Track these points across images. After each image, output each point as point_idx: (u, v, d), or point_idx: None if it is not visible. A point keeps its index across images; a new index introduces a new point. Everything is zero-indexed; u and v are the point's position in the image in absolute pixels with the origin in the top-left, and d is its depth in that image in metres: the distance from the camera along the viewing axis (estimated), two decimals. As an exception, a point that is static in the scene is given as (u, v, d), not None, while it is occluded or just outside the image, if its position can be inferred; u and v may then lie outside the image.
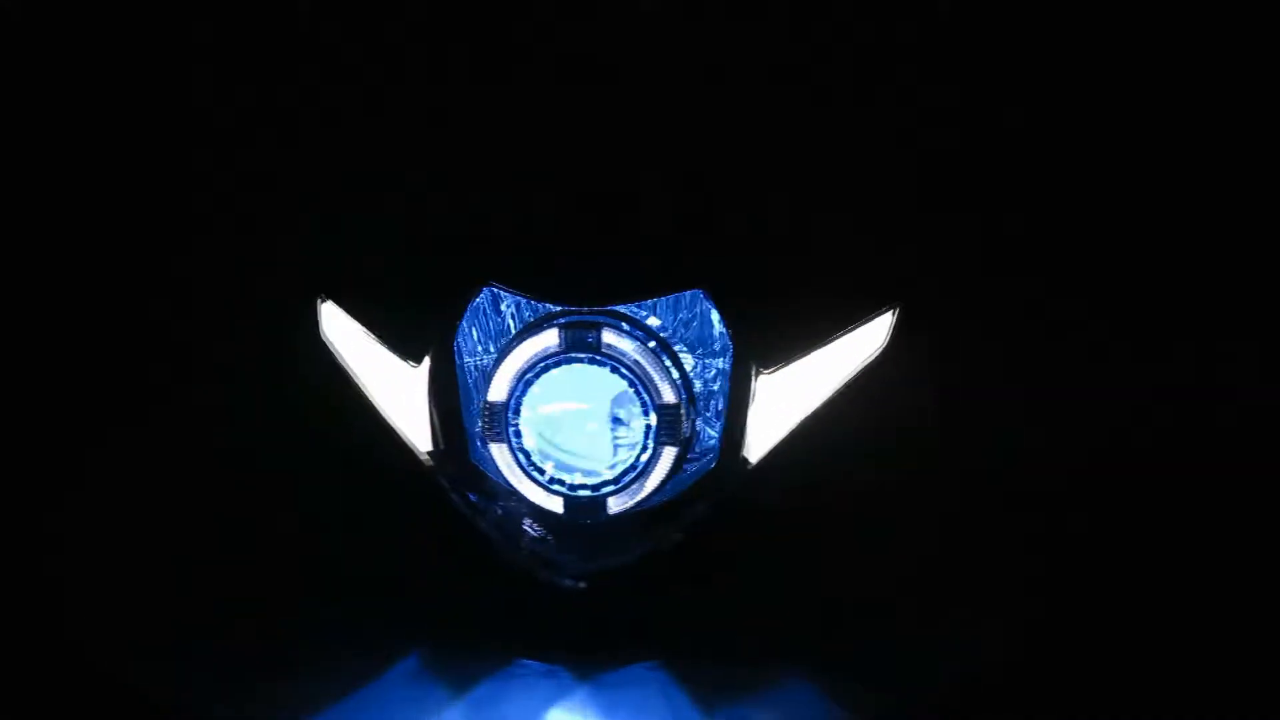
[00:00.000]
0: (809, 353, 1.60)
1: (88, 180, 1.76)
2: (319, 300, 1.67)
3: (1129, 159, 1.62)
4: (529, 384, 1.56)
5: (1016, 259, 1.63)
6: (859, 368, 1.59)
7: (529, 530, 1.56)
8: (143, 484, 1.67)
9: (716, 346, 1.62)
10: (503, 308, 1.64)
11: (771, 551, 1.56)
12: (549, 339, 1.56)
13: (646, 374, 1.54)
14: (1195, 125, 1.61)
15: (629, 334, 1.56)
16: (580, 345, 1.54)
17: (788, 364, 1.58)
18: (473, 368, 1.65)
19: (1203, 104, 1.61)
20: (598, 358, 1.55)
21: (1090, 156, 1.63)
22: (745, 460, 1.56)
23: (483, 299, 1.63)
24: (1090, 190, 1.63)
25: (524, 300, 1.62)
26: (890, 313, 1.61)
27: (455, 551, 1.57)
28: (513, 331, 1.64)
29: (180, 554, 1.59)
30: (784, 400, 1.59)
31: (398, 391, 1.62)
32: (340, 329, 1.66)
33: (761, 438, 1.58)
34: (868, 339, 1.61)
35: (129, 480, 1.67)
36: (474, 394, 1.64)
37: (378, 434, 1.60)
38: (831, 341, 1.60)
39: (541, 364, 1.56)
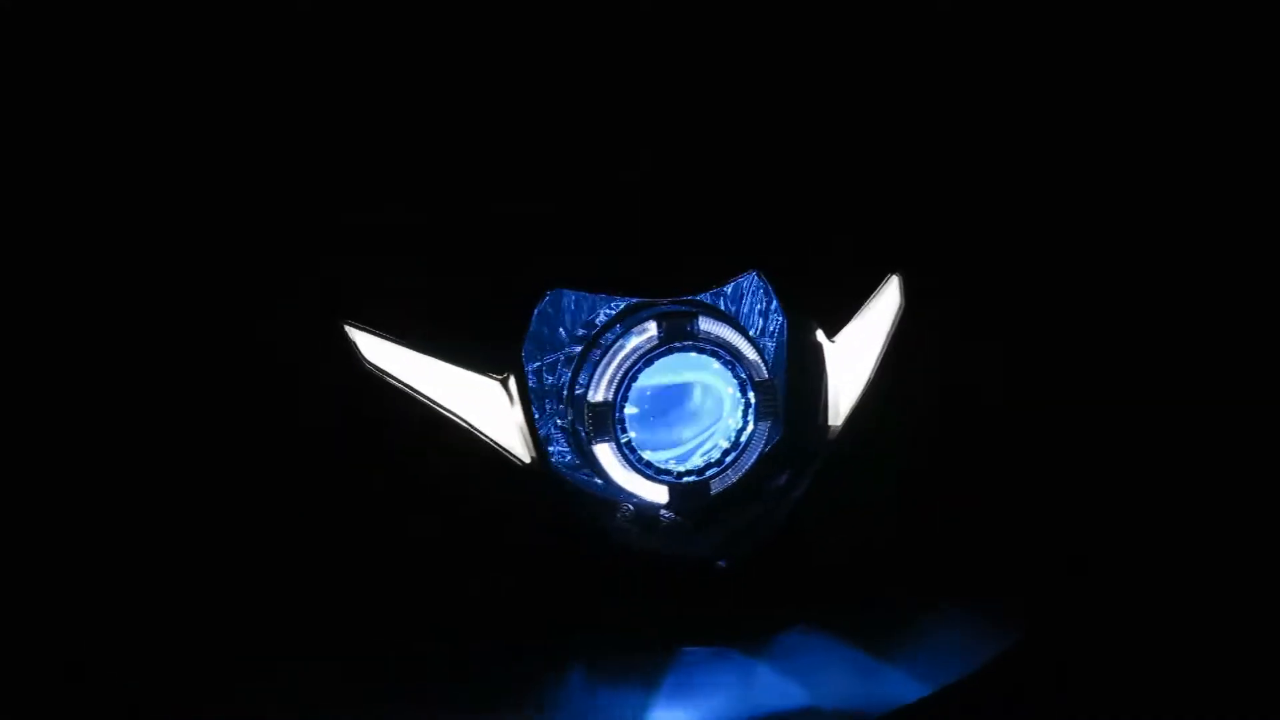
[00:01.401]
0: (850, 320, 1.71)
1: (103, 193, 1.57)
2: (349, 327, 1.56)
3: (1124, 145, 1.87)
4: (632, 380, 1.57)
5: (1013, 232, 1.84)
6: (891, 329, 1.73)
7: (664, 518, 1.57)
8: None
9: (767, 323, 1.70)
10: (560, 308, 1.63)
11: (868, 504, 1.66)
12: (647, 332, 1.57)
13: (741, 354, 1.60)
14: (1187, 109, 1.88)
15: (718, 318, 1.60)
16: (680, 334, 1.57)
17: (842, 331, 1.69)
18: (539, 370, 1.62)
19: (1197, 94, 1.88)
20: (699, 344, 1.58)
21: (1086, 145, 1.86)
22: (828, 427, 1.66)
23: (547, 302, 1.60)
24: (1081, 174, 1.86)
25: (592, 299, 1.62)
26: (895, 277, 1.75)
27: (586, 554, 1.54)
28: (566, 332, 1.63)
29: (333, 602, 1.47)
30: (842, 365, 1.69)
31: (481, 407, 1.56)
32: (388, 354, 1.56)
33: (837, 402, 1.67)
34: (886, 303, 1.75)
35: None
36: (548, 396, 1.62)
37: (475, 452, 1.53)
38: (865, 306, 1.73)
39: (643, 358, 1.57)
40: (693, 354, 1.59)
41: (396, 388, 1.55)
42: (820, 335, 1.66)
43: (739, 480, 1.63)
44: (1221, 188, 1.86)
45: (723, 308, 1.68)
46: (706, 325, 1.59)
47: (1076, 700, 1.47)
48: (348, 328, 1.56)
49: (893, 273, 1.76)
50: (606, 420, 1.56)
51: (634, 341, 1.57)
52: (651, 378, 1.61)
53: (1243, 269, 1.85)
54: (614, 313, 1.62)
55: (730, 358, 1.60)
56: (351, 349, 1.56)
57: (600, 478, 1.59)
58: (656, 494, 1.60)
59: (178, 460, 1.59)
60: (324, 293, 1.59)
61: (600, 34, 1.69)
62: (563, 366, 1.63)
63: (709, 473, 1.61)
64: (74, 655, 1.45)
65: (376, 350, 1.56)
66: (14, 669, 1.43)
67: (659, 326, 1.57)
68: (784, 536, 1.61)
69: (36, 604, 1.51)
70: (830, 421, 1.66)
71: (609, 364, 1.57)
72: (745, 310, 1.70)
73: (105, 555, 1.55)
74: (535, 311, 1.59)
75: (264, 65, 1.61)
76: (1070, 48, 1.83)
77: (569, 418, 1.60)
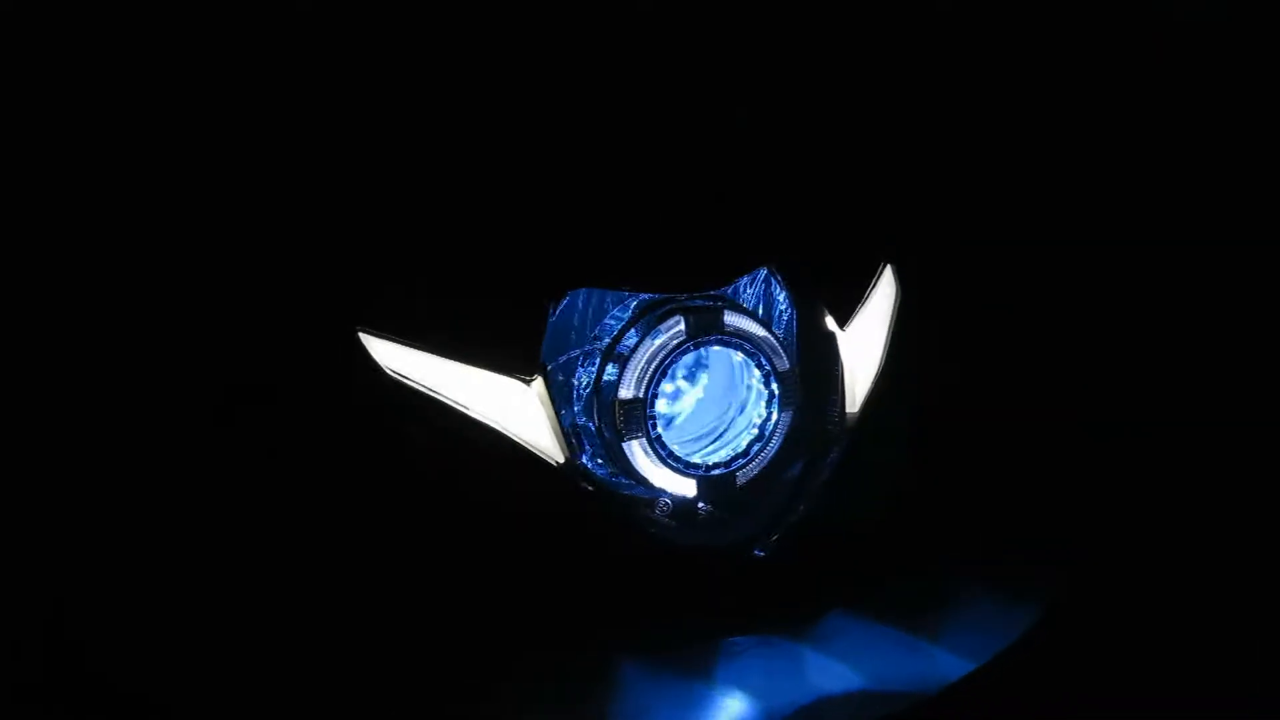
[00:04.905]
0: (858, 310, 1.75)
1: (113, 201, 1.54)
2: (363, 334, 1.54)
3: (1124, 145, 1.93)
4: (661, 375, 1.58)
5: (1000, 220, 1.90)
6: (893, 316, 1.77)
7: (701, 510, 1.59)
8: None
9: (775, 316, 1.73)
10: (575, 308, 1.63)
11: (889, 486, 1.70)
12: (674, 328, 1.58)
13: (764, 346, 1.63)
14: (1188, 110, 1.94)
15: (740, 312, 1.62)
16: (707, 328, 1.59)
17: (852, 320, 1.72)
18: (561, 370, 1.62)
19: (1198, 95, 1.95)
20: (724, 338, 1.59)
21: (1086, 144, 1.92)
22: (845, 414, 1.69)
23: (568, 300, 1.60)
24: (1081, 173, 1.92)
25: (609, 297, 1.62)
26: (889, 266, 1.80)
27: (623, 550, 1.55)
28: (581, 332, 1.63)
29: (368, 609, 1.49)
30: (855, 353, 1.73)
31: (508, 409, 1.54)
32: (407, 360, 1.54)
33: (853, 389, 1.71)
34: (885, 291, 1.80)
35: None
36: (575, 394, 1.62)
37: (507, 455, 1.52)
38: (868, 296, 1.77)
39: (672, 354, 1.58)
40: (717, 347, 1.59)
41: (417, 393, 1.52)
42: (833, 325, 1.68)
43: (764, 470, 1.65)
44: (1222, 188, 1.93)
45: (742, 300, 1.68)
46: (731, 318, 1.60)
47: (1102, 673, 1.51)
48: (362, 335, 1.53)
49: (887, 262, 1.79)
50: (637, 416, 1.56)
51: (662, 338, 1.57)
52: (676, 373, 1.61)
53: (1241, 265, 1.93)
54: (633, 310, 1.61)
55: (754, 349, 1.61)
56: (367, 356, 1.52)
57: (629, 475, 1.59)
58: (685, 487, 1.61)
59: (194, 473, 1.54)
60: (336, 300, 1.56)
61: (613, 35, 1.69)
62: (581, 366, 1.62)
63: (735, 464, 1.62)
64: (93, 658, 1.45)
65: (395, 356, 1.54)
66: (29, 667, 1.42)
67: (686, 321, 1.57)
68: (813, 522, 1.62)
69: (42, 605, 1.49)
70: (848, 408, 1.68)
71: (637, 361, 1.57)
72: (753, 304, 1.71)
73: (124, 565, 1.53)
74: (556, 311, 1.57)
75: (275, 69, 1.57)
76: (1071, 47, 1.89)
77: (594, 416, 1.59)
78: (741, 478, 1.64)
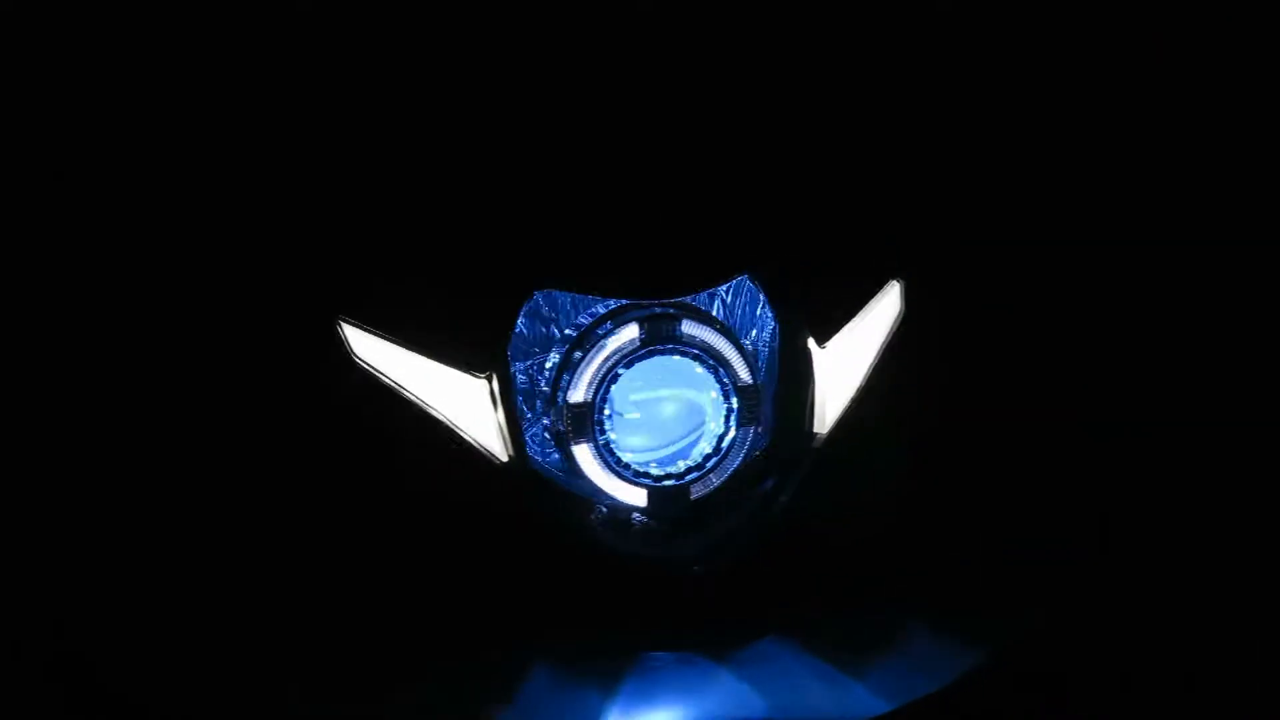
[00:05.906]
0: (844, 326, 1.68)
1: (103, 191, 1.61)
2: (339, 322, 1.57)
3: (1129, 149, 1.82)
4: (612, 381, 1.56)
5: (1005, 233, 1.80)
6: (888, 337, 1.69)
7: (635, 521, 1.57)
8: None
9: (759, 328, 1.68)
10: (551, 309, 1.63)
11: (853, 519, 1.64)
12: (628, 334, 1.56)
13: (724, 359, 1.59)
14: (1195, 111, 1.83)
15: (702, 322, 1.59)
16: (662, 337, 1.56)
17: (833, 338, 1.65)
18: (530, 370, 1.63)
19: (1206, 95, 1.83)
20: (680, 347, 1.57)
21: (1090, 148, 1.82)
22: (813, 434, 1.63)
23: (540, 302, 1.60)
24: (1085, 178, 1.81)
25: (584, 300, 1.61)
26: (897, 284, 1.72)
27: (559, 555, 1.54)
28: (558, 332, 1.62)
29: (301, 592, 1.52)
30: (832, 373, 1.66)
31: (464, 405, 1.56)
32: (378, 350, 1.57)
33: (823, 410, 1.64)
34: (884, 310, 1.71)
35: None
36: (532, 396, 1.62)
37: (455, 450, 1.54)
38: (860, 313, 1.70)
39: (624, 360, 1.56)
40: (675, 357, 1.58)
41: (384, 383, 1.56)
42: (810, 342, 1.63)
43: (719, 486, 1.62)
44: (1228, 192, 1.81)
45: (716, 312, 1.66)
46: (689, 328, 1.58)
47: (1102, 674, 1.49)
48: (341, 323, 1.58)
49: (895, 279, 1.72)
50: (585, 421, 1.56)
51: (615, 343, 1.57)
52: (638, 381, 1.60)
53: (1246, 273, 1.80)
54: (601, 314, 1.60)
55: (713, 362, 1.58)
56: (343, 345, 1.57)
57: (581, 480, 1.59)
58: (636, 497, 1.60)
59: (161, 449, 1.61)
60: (320, 288, 1.61)
61: (594, 34, 1.68)
62: (552, 367, 1.62)
63: (688, 477, 1.60)
64: (62, 654, 1.50)
65: (367, 346, 1.58)
66: (11, 671, 1.47)
67: (640, 328, 1.56)
68: (764, 545, 1.58)
69: (26, 606, 1.55)
70: (815, 429, 1.63)
71: (589, 365, 1.57)
72: (738, 315, 1.68)
73: (87, 546, 1.58)
74: (524, 311, 1.59)
75: (260, 64, 1.63)
76: (1073, 48, 1.78)
77: (552, 418, 1.60)
78: (696, 491, 1.61)
